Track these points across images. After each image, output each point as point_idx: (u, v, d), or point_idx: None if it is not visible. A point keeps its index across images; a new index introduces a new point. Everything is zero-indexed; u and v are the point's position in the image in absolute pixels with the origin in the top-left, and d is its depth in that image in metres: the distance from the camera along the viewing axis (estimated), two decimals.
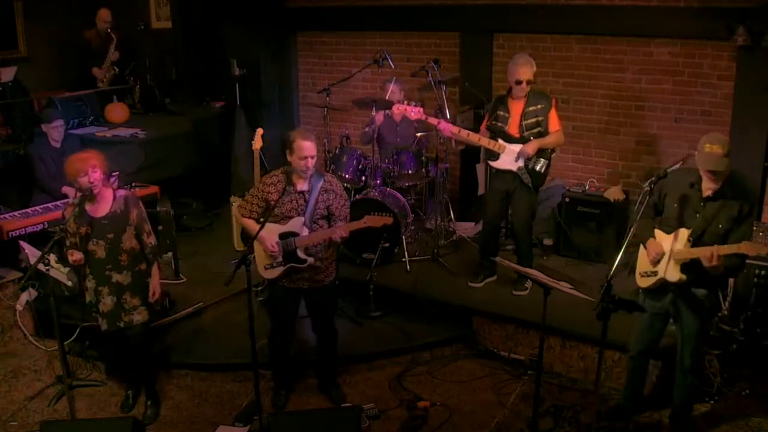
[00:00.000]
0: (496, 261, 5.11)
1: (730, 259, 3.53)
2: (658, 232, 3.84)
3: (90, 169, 4.08)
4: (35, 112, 7.02)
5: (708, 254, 3.48)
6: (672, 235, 3.73)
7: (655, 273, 3.80)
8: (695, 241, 3.65)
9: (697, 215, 3.68)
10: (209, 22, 7.87)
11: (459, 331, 5.25)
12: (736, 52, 5.42)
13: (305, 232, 4.19)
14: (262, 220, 4.18)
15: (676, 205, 3.75)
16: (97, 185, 4.14)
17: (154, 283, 4.36)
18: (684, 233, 3.67)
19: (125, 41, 7.77)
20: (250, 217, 4.25)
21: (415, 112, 5.33)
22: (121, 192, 4.33)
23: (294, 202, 4.20)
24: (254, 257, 4.32)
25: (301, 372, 4.82)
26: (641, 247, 3.92)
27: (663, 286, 3.81)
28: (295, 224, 4.19)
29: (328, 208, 4.26)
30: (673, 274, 3.69)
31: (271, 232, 4.17)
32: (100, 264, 4.21)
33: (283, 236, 4.19)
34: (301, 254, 4.20)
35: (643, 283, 3.89)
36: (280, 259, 4.21)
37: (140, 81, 7.87)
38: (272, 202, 4.16)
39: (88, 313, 4.47)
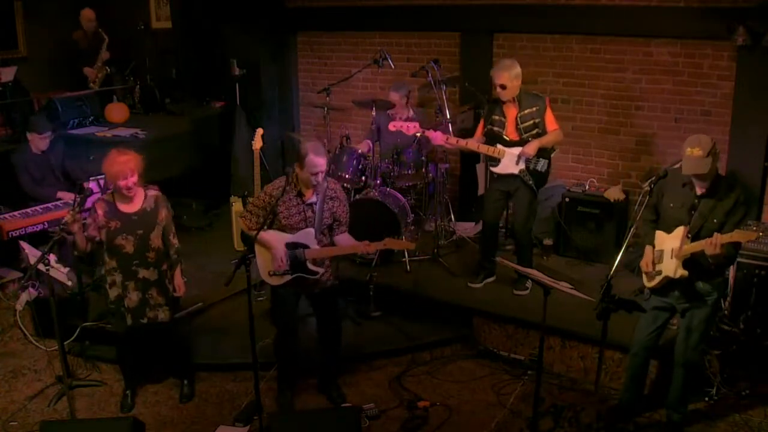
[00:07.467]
0: (496, 261, 5.11)
1: (727, 249, 3.60)
2: (658, 233, 3.89)
3: (129, 173, 4.13)
4: (35, 112, 7.02)
5: (710, 243, 3.56)
6: (672, 234, 3.79)
7: (659, 272, 3.85)
8: (693, 237, 3.71)
9: (693, 213, 3.74)
10: (209, 22, 7.86)
11: (459, 331, 5.24)
12: (736, 52, 5.42)
13: (315, 244, 4.19)
14: (266, 227, 4.15)
15: (672, 204, 3.83)
16: (133, 189, 4.20)
17: (178, 280, 4.44)
18: (682, 231, 3.73)
19: (117, 40, 7.73)
20: (254, 229, 4.18)
21: (411, 128, 5.34)
22: (152, 191, 4.37)
23: (302, 213, 4.18)
24: (255, 261, 4.26)
25: (300, 372, 4.81)
26: (647, 248, 3.96)
27: (669, 283, 3.85)
28: (305, 236, 4.18)
29: (333, 215, 4.25)
30: (677, 271, 3.74)
31: (279, 242, 4.16)
32: (128, 259, 4.23)
33: (290, 246, 4.17)
34: (311, 266, 4.21)
35: (650, 283, 3.94)
36: (288, 269, 4.20)
37: (140, 81, 7.87)
38: (276, 209, 4.12)
39: (113, 311, 4.34)
